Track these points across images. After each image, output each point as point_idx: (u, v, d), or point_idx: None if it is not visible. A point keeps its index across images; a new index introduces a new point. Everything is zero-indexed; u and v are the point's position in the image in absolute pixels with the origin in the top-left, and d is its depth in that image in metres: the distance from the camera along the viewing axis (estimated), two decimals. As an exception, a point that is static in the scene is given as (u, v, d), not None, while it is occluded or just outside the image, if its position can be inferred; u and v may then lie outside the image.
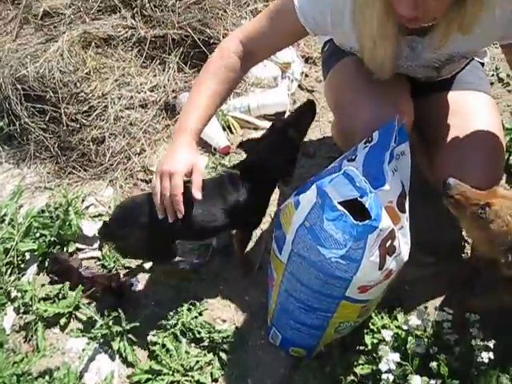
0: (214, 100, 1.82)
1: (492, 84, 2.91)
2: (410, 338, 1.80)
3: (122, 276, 2.17)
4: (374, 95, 1.88)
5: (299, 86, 2.89)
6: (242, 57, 1.87)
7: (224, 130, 2.62)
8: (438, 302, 2.13)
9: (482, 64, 2.26)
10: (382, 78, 1.86)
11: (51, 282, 2.17)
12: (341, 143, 2.11)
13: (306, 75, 2.94)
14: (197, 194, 1.74)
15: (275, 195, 2.43)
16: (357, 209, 1.59)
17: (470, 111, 2.04)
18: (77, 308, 2.08)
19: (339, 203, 1.56)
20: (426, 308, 2.01)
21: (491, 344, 1.72)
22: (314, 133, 2.65)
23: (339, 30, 1.81)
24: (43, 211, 2.33)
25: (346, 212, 1.50)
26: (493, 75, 2.94)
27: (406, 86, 2.02)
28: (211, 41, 2.79)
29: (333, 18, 1.76)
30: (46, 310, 2.05)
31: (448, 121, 2.04)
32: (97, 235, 2.26)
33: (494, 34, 1.82)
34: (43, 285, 2.16)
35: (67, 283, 2.12)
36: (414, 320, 1.79)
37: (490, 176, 1.95)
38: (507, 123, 2.60)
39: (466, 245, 2.29)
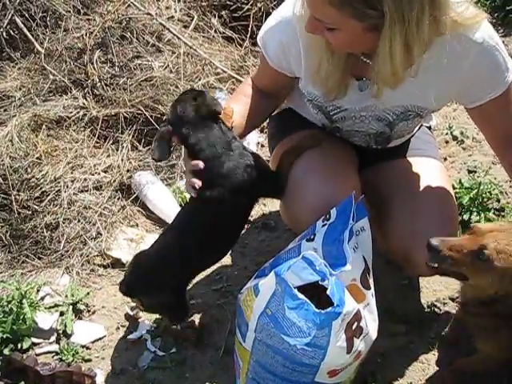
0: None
1: (447, 142, 2.94)
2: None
3: (82, 369, 2.06)
4: (319, 174, 1.85)
5: (256, 157, 2.87)
6: (254, 90, 2.04)
7: (181, 207, 2.57)
8: (412, 373, 2.06)
9: (429, 128, 2.27)
10: (328, 96, 1.84)
11: (5, 384, 2.04)
12: (289, 223, 2.07)
13: (262, 145, 2.93)
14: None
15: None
16: (321, 289, 1.55)
17: (418, 180, 2.02)
18: (33, 410, 1.97)
19: (300, 287, 1.52)
20: (399, 383, 1.97)
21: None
22: (274, 205, 2.62)
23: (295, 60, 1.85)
24: (-5, 305, 2.22)
25: (307, 300, 1.46)
26: (447, 134, 2.96)
27: (353, 162, 2.01)
28: (164, 117, 2.75)
29: (291, 51, 1.82)
30: (-2, 417, 1.93)
31: (397, 191, 2.01)
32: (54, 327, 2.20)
33: (446, 94, 1.83)
34: (-4, 387, 2.04)
35: (22, 383, 2.00)
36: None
37: None
38: (465, 182, 2.60)
39: (435, 309, 2.25)
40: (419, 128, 2.17)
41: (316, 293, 1.58)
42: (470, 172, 2.76)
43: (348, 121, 1.93)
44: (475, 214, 2.48)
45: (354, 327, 1.55)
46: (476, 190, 2.51)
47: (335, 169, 1.89)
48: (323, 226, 1.68)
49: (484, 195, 2.52)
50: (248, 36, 3.22)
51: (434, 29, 1.53)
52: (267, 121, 2.35)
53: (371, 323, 1.68)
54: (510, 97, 1.77)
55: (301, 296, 1.47)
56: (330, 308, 1.45)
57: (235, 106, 1.95)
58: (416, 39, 1.52)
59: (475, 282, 1.66)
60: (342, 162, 1.95)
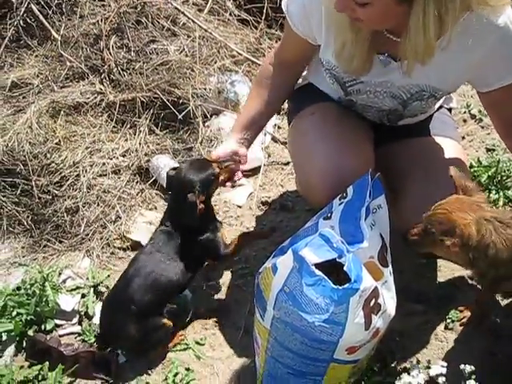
0: (252, 103, 2.12)
1: (465, 121, 2.92)
2: (403, 398, 1.74)
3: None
4: (330, 143, 1.88)
5: (273, 139, 2.88)
6: (275, 65, 2.08)
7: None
8: (430, 351, 2.07)
9: (450, 110, 2.26)
10: (352, 73, 1.85)
11: (30, 364, 2.08)
12: (301, 190, 2.12)
13: (279, 127, 2.93)
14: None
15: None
16: (339, 266, 1.55)
17: (434, 159, 2.02)
18: (58, 389, 2.00)
19: (318, 264, 1.52)
20: (418, 361, 1.97)
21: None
22: (291, 186, 2.62)
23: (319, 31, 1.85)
24: (19, 288, 2.26)
25: (325, 276, 1.46)
26: (465, 112, 2.95)
27: (367, 135, 2.02)
28: (180, 101, 2.78)
29: (313, 19, 1.83)
30: (25, 395, 1.96)
31: (412, 169, 2.01)
32: (76, 309, 2.24)
33: (462, 76, 1.83)
34: (21, 367, 2.08)
35: (46, 363, 2.04)
36: (405, 378, 1.73)
37: None
38: (484, 160, 2.59)
39: (453, 288, 2.25)
40: (438, 109, 2.17)
41: (334, 271, 1.59)
42: (488, 150, 2.75)
43: (362, 94, 1.93)
44: (494, 192, 2.47)
45: (371, 304, 1.55)
46: (494, 168, 2.50)
47: (348, 137, 1.90)
48: (340, 204, 1.68)
49: (503, 173, 2.51)
50: (263, 18, 3.21)
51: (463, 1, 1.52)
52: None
53: (389, 300, 1.68)
54: None
55: (318, 272, 1.47)
56: (348, 284, 1.45)
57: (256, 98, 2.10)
58: (449, 9, 1.50)
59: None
60: (356, 132, 1.96)
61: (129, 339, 2.03)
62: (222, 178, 2.02)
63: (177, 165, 2.67)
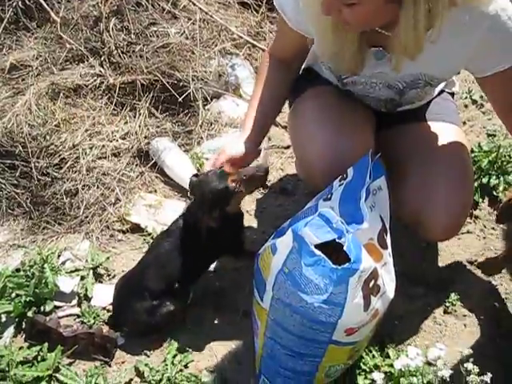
0: (254, 101, 2.05)
1: (466, 106, 2.91)
2: (402, 380, 1.74)
3: (104, 331, 2.11)
4: (329, 126, 1.87)
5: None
6: (271, 61, 2.05)
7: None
8: (429, 335, 2.08)
9: (452, 94, 2.24)
10: (345, 73, 1.86)
11: (30, 345, 2.09)
12: (303, 177, 2.11)
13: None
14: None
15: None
16: (338, 248, 1.55)
17: (435, 144, 2.01)
18: (57, 370, 2.00)
19: (317, 245, 1.52)
20: (416, 345, 1.98)
21: (488, 378, 1.64)
22: (291, 169, 2.62)
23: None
24: (18, 270, 2.27)
25: (324, 256, 1.46)
26: (466, 97, 2.94)
27: (369, 119, 2.00)
28: (181, 83, 2.76)
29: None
30: (24, 375, 1.96)
31: (412, 154, 1.99)
32: (75, 291, 2.24)
33: (456, 64, 1.82)
34: (21, 347, 2.08)
35: (46, 344, 2.05)
36: (404, 360, 1.73)
37: (457, 213, 1.93)
38: (484, 145, 2.58)
39: (453, 271, 2.26)
40: (439, 94, 2.16)
41: (333, 252, 1.58)
42: (489, 136, 2.74)
43: (358, 85, 1.93)
44: (494, 177, 2.47)
45: (371, 285, 1.55)
46: (495, 154, 2.50)
47: (347, 120, 1.89)
48: (340, 185, 1.68)
49: (503, 158, 2.51)
50: (264, 1, 3.18)
51: None
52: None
53: (388, 283, 1.68)
54: None
55: (318, 252, 1.47)
56: (347, 264, 1.45)
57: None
58: (438, 2, 1.48)
59: None
60: (356, 115, 1.95)
61: (138, 323, 2.07)
62: (244, 191, 1.94)
63: (176, 148, 2.67)
